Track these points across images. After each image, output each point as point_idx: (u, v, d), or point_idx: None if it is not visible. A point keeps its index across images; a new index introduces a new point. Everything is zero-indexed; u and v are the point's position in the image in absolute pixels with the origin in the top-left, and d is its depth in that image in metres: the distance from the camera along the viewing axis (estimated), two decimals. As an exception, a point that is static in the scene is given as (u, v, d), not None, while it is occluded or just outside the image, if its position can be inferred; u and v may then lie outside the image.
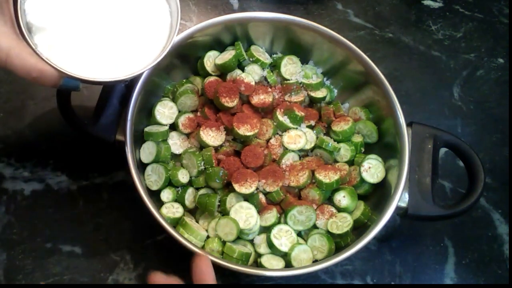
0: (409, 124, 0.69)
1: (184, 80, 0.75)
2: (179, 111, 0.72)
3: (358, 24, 0.95)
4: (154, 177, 0.66)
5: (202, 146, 0.69)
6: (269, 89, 0.73)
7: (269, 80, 0.74)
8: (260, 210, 0.66)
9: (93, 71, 0.53)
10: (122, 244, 0.68)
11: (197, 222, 0.67)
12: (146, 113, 0.70)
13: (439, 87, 0.90)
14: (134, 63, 0.55)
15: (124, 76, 0.54)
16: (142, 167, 0.67)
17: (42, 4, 0.51)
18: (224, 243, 0.63)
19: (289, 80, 0.74)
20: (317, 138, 0.72)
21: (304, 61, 0.77)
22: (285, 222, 0.66)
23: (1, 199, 0.69)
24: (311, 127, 0.74)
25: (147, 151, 0.67)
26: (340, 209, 0.68)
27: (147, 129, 0.69)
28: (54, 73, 0.50)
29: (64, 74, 0.50)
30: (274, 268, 0.62)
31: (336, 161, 0.72)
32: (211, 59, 0.74)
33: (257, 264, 0.64)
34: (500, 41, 0.97)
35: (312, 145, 0.71)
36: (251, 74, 0.72)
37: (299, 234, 0.67)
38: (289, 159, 0.69)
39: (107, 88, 0.67)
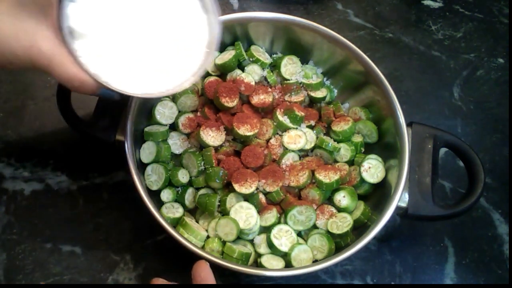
0: (409, 124, 0.69)
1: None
2: (179, 111, 0.72)
3: (358, 24, 0.95)
4: (154, 177, 0.66)
5: (202, 146, 0.69)
6: (269, 89, 0.73)
7: (269, 80, 0.74)
8: (260, 210, 0.66)
9: (131, 83, 0.52)
10: (122, 244, 0.68)
11: (197, 222, 0.67)
12: (146, 113, 0.70)
13: (439, 87, 0.90)
14: (171, 78, 0.54)
15: (160, 92, 0.53)
16: (142, 167, 0.67)
17: (84, 10, 0.51)
18: (224, 243, 0.63)
19: (289, 80, 0.74)
20: (317, 138, 0.72)
21: (304, 61, 0.77)
22: (285, 222, 0.66)
23: (1, 199, 0.69)
24: (311, 127, 0.74)
25: (147, 151, 0.67)
26: (340, 209, 0.68)
27: (147, 129, 0.69)
28: (93, 83, 0.50)
29: (102, 86, 0.51)
30: (274, 268, 0.62)
31: (336, 161, 0.72)
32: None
33: (257, 264, 0.64)
34: (500, 41, 0.97)
35: (312, 145, 0.71)
36: (251, 74, 0.72)
37: (299, 234, 0.67)
38: (289, 159, 0.69)
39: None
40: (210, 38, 0.56)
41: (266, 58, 0.76)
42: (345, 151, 0.72)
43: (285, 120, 0.71)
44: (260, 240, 0.65)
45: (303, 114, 0.72)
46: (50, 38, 0.48)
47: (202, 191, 0.67)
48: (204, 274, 0.54)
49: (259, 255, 0.64)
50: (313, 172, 0.68)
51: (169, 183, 0.67)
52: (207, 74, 0.74)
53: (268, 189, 0.66)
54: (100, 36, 0.51)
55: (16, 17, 0.47)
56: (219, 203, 0.66)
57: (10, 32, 0.47)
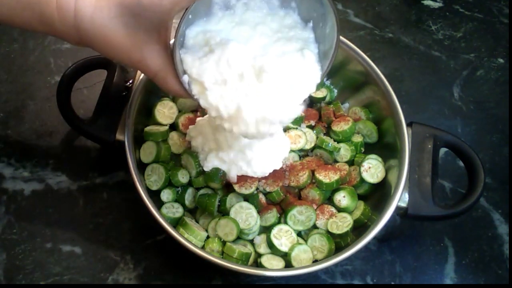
0: (409, 124, 0.69)
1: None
2: (179, 111, 0.72)
3: (358, 24, 0.95)
4: (154, 177, 0.66)
5: (202, 146, 0.69)
6: (269, 89, 0.73)
7: (269, 80, 0.74)
8: (260, 210, 0.66)
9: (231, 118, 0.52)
10: (122, 244, 0.68)
11: (197, 222, 0.67)
12: (146, 113, 0.70)
13: (439, 87, 0.90)
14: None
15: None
16: (142, 167, 0.67)
17: (201, 35, 0.52)
18: (224, 243, 0.63)
19: (289, 80, 0.74)
20: (317, 138, 0.72)
21: (304, 61, 0.77)
22: (285, 222, 0.66)
23: (1, 199, 0.69)
24: (311, 127, 0.74)
25: (147, 151, 0.67)
26: (340, 209, 0.68)
27: (147, 129, 0.69)
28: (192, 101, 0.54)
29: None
30: (274, 268, 0.62)
31: (336, 161, 0.72)
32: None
33: (257, 264, 0.64)
34: (500, 41, 0.97)
35: (312, 145, 0.71)
36: (251, 74, 0.72)
37: (299, 234, 0.67)
38: (289, 159, 0.69)
39: (107, 88, 0.67)
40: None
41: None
42: (345, 151, 0.72)
43: (285, 120, 0.71)
44: (260, 240, 0.65)
45: (303, 114, 0.72)
46: (158, 53, 0.49)
47: (202, 191, 0.67)
48: None
49: (259, 255, 0.64)
50: (313, 172, 0.68)
51: (169, 183, 0.67)
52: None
53: (268, 189, 0.66)
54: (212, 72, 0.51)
55: (129, 27, 0.47)
56: (219, 203, 0.66)
57: (122, 43, 0.47)
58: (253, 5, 0.53)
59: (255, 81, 0.51)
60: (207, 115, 0.66)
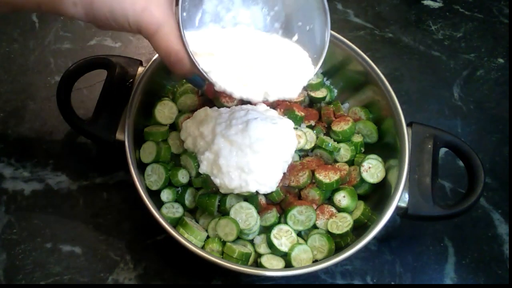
0: (409, 124, 0.69)
1: (184, 80, 0.75)
2: (179, 111, 0.72)
3: (358, 24, 0.95)
4: (154, 177, 0.66)
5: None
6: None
7: (269, 80, 0.74)
8: (260, 210, 0.66)
9: (231, 83, 0.52)
10: (122, 244, 0.68)
11: (197, 222, 0.67)
12: (146, 113, 0.70)
13: (439, 87, 0.90)
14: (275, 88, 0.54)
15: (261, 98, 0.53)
16: (142, 167, 0.67)
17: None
18: (224, 243, 0.63)
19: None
20: (317, 138, 0.72)
21: (304, 61, 0.77)
22: (285, 222, 0.66)
23: (1, 199, 0.69)
24: (311, 127, 0.74)
25: (147, 151, 0.67)
26: (340, 209, 0.68)
27: (147, 129, 0.69)
28: (189, 65, 0.50)
29: (197, 72, 0.50)
30: (274, 268, 0.62)
31: (336, 161, 0.72)
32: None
33: (257, 264, 0.64)
34: (500, 41, 0.97)
35: (312, 145, 0.71)
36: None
37: (299, 234, 0.67)
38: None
39: (107, 88, 0.67)
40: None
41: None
42: (345, 151, 0.72)
43: (285, 120, 0.71)
44: (260, 240, 0.65)
45: (303, 114, 0.72)
46: (163, 6, 0.48)
47: (202, 191, 0.67)
48: None
49: (259, 255, 0.64)
50: (313, 172, 0.68)
51: (169, 183, 0.67)
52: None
53: (268, 189, 0.66)
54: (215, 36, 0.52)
55: None
56: (219, 203, 0.66)
57: None
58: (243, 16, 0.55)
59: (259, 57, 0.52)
60: (191, 118, 0.67)
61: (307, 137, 0.71)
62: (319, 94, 0.76)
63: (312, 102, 0.77)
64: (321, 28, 0.55)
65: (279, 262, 0.63)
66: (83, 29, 0.87)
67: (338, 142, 0.72)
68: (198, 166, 0.65)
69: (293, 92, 0.53)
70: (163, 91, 0.74)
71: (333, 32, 0.72)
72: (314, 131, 0.73)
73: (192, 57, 0.49)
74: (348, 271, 0.70)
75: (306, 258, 0.63)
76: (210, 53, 0.50)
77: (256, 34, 0.55)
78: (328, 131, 0.74)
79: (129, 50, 0.87)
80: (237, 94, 0.52)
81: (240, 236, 0.65)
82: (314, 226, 0.67)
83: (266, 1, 0.55)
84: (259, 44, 0.54)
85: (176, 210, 0.66)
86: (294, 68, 0.55)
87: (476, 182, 0.66)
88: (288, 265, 0.63)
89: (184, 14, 0.50)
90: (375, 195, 0.70)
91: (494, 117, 0.87)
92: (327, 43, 0.55)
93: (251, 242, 0.66)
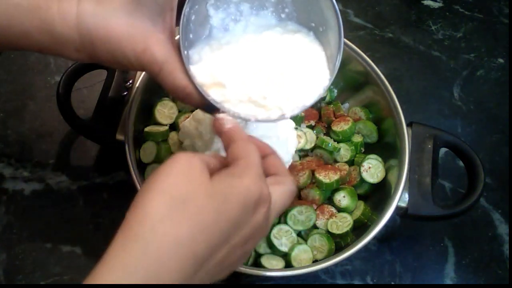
0: (409, 124, 0.69)
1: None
2: (179, 111, 0.72)
3: (358, 24, 0.95)
4: (154, 177, 0.66)
5: (202, 146, 0.69)
6: (269, 89, 0.73)
7: (269, 80, 0.74)
8: (260, 210, 0.66)
9: (242, 109, 0.50)
10: (122, 244, 0.68)
11: (197, 222, 0.67)
12: (146, 113, 0.70)
13: (439, 87, 0.90)
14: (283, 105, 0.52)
15: (265, 118, 0.51)
16: (142, 167, 0.67)
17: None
18: (224, 243, 0.63)
19: (289, 80, 0.74)
20: (317, 138, 0.72)
21: (304, 61, 0.77)
22: (285, 222, 0.66)
23: (1, 199, 0.69)
24: (311, 127, 0.74)
25: (147, 151, 0.67)
26: (340, 209, 0.68)
27: (147, 129, 0.69)
28: (198, 98, 0.49)
29: (207, 102, 0.49)
30: (274, 268, 0.62)
31: (336, 161, 0.72)
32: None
33: (257, 264, 0.64)
34: (500, 41, 0.97)
35: (312, 145, 0.71)
36: (251, 74, 0.72)
37: (299, 234, 0.67)
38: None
39: (107, 88, 0.67)
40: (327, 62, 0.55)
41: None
42: (345, 151, 0.72)
43: (285, 120, 0.71)
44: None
45: (303, 114, 0.72)
46: (164, 43, 0.47)
47: (202, 191, 0.67)
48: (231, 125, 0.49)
49: (259, 255, 0.64)
50: (313, 172, 0.68)
51: (169, 183, 0.66)
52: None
53: (268, 189, 0.66)
54: (220, 60, 0.50)
55: (132, 16, 0.45)
56: (219, 203, 0.65)
57: (125, 33, 0.45)
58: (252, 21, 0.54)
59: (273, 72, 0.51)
60: (189, 118, 0.67)
61: (307, 137, 0.71)
62: (319, 94, 0.76)
63: (312, 102, 0.77)
64: (334, 31, 0.53)
65: (279, 262, 0.63)
66: (83, 29, 0.87)
67: (338, 142, 0.72)
68: None
69: (308, 102, 0.51)
70: (163, 91, 0.74)
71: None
72: (314, 131, 0.73)
73: (201, 90, 0.48)
74: (348, 271, 0.70)
75: (306, 258, 0.63)
76: (219, 83, 0.49)
77: (267, 38, 0.53)
78: (328, 131, 0.74)
79: (129, 50, 0.86)
80: (253, 119, 0.50)
81: (240, 236, 0.64)
82: (314, 226, 0.67)
83: (275, 4, 0.54)
84: (271, 56, 0.51)
85: (176, 210, 0.65)
86: (310, 75, 0.53)
87: (476, 182, 0.66)
88: (288, 265, 0.63)
89: (191, 35, 0.49)
90: (375, 195, 0.70)
91: (494, 117, 0.87)
92: (341, 44, 0.53)
93: (251, 242, 0.66)
